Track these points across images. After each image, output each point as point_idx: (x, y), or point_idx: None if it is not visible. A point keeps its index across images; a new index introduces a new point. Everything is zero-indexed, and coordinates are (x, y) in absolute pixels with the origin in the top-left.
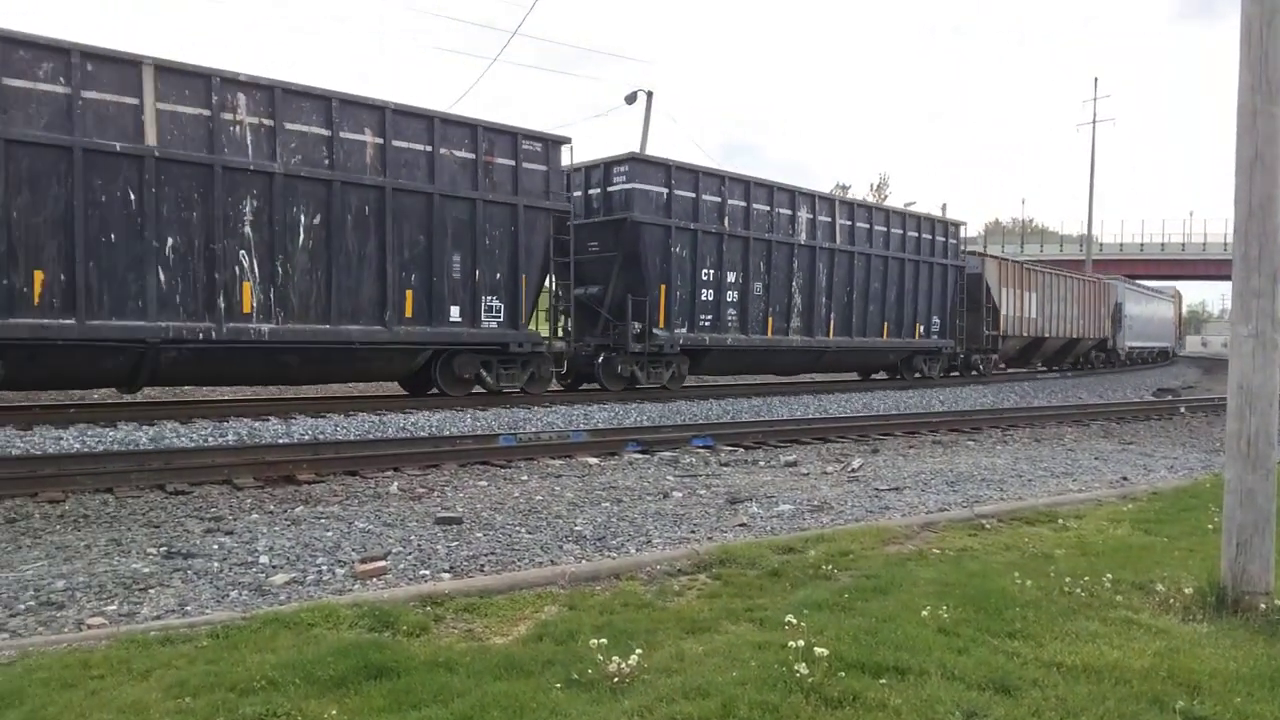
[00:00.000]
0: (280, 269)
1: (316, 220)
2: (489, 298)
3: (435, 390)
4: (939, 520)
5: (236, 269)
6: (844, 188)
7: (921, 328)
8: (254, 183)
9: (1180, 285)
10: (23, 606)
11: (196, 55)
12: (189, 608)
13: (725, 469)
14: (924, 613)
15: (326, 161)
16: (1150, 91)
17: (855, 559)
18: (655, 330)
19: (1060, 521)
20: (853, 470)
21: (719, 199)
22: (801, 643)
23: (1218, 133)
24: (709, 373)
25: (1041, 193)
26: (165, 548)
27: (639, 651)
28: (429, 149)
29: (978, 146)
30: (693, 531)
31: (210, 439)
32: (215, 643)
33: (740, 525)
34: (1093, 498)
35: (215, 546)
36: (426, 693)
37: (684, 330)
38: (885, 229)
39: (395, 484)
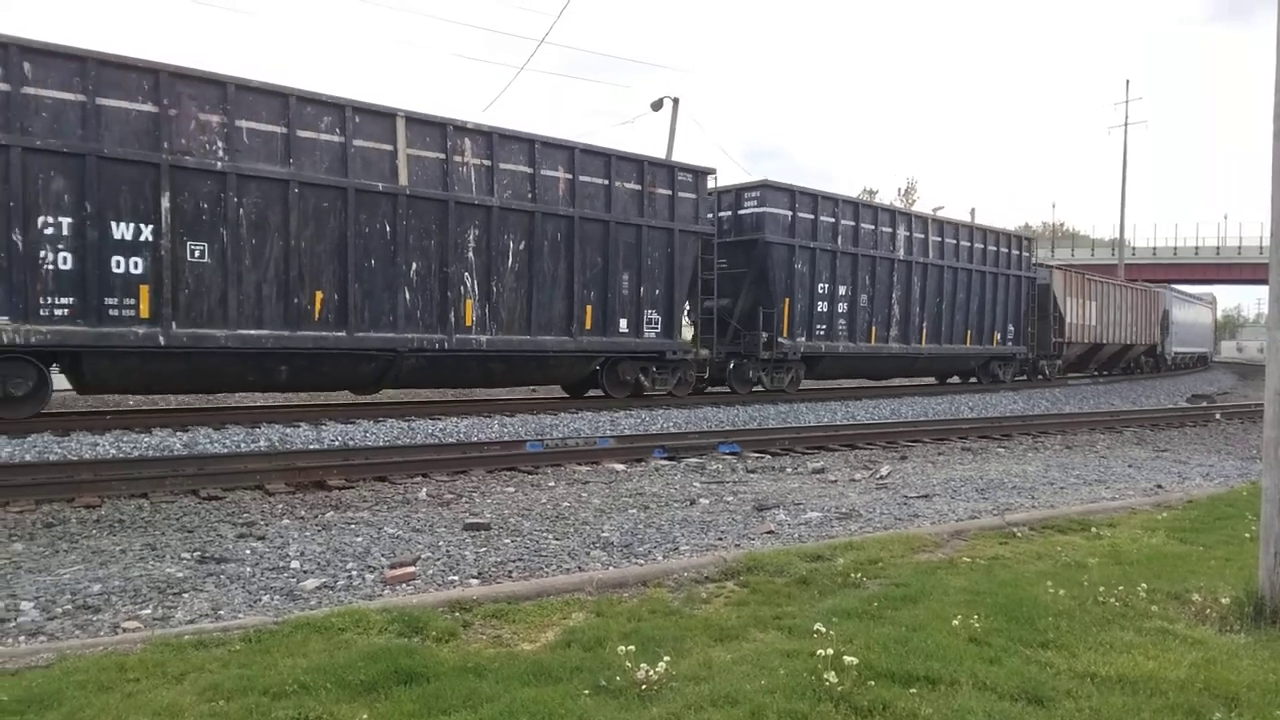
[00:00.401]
0: (494, 288)
1: (521, 246)
2: (649, 311)
3: (599, 393)
4: (969, 528)
5: (462, 288)
6: (871, 192)
7: (999, 335)
8: (476, 215)
9: (1214, 289)
10: (60, 610)
11: (209, 63)
12: (222, 612)
13: (752, 476)
14: (955, 622)
15: (530, 195)
16: (1182, 94)
17: (884, 567)
18: (780, 339)
19: (1093, 530)
20: (881, 477)
21: (833, 219)
22: (830, 651)
23: (1252, 135)
24: (821, 377)
25: (1072, 196)
26: (199, 552)
27: (667, 659)
28: (606, 182)
29: (1007, 150)
30: (720, 538)
31: (242, 445)
32: (248, 647)
33: (768, 532)
34: (1126, 505)
35: (247, 551)
36: (456, 698)
37: (804, 339)
38: (969, 244)
39: (424, 490)
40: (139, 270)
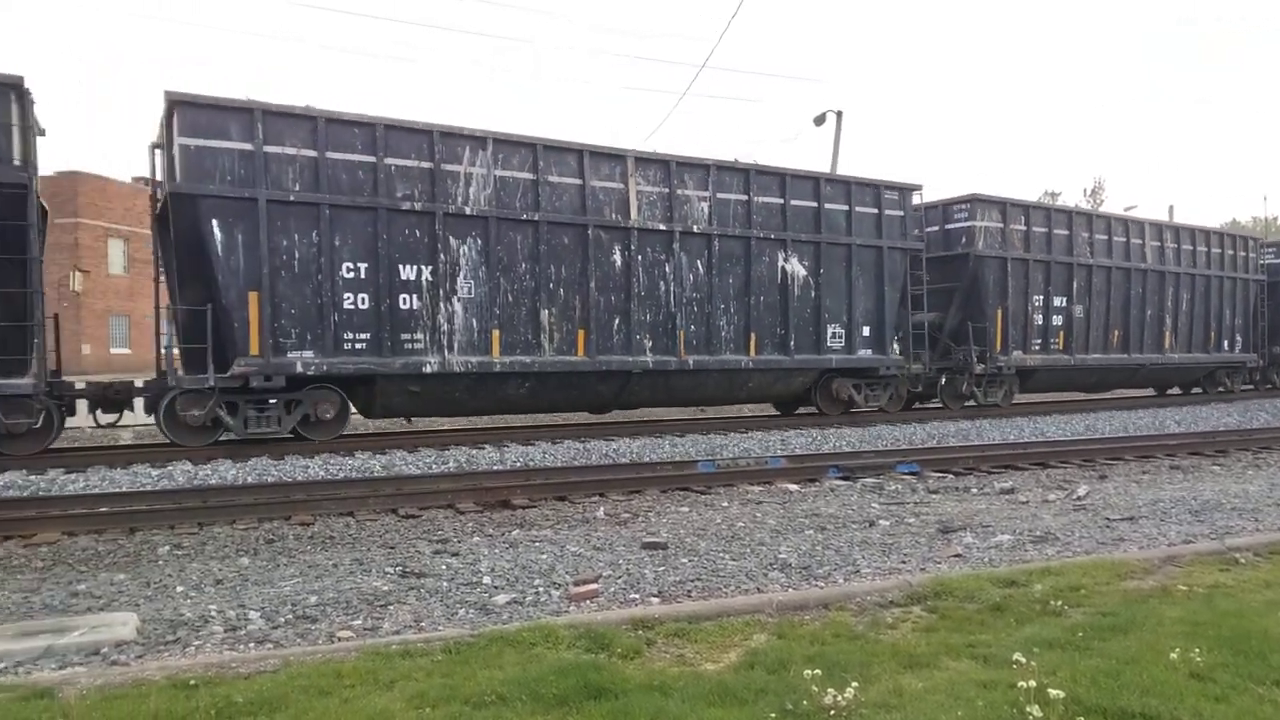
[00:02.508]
0: (715, 311)
1: (739, 270)
2: (863, 327)
3: (813, 410)
4: (1183, 553)
5: (687, 312)
6: (1053, 194)
7: (1225, 342)
8: (698, 243)
9: None
10: (282, 619)
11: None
12: (424, 624)
13: (934, 496)
14: (1172, 655)
15: (746, 221)
16: None
17: (1087, 595)
18: (993, 353)
19: None
20: (1078, 498)
21: (1045, 229)
22: (1033, 683)
23: None
24: (1035, 390)
25: None
26: (400, 567)
27: (855, 685)
28: (815, 204)
29: (1202, 142)
30: (903, 561)
31: (434, 466)
32: (448, 658)
33: (954, 556)
34: None
35: (443, 567)
36: (644, 715)
37: (1019, 352)
38: (1191, 247)
39: (601, 509)
40: (418, 307)
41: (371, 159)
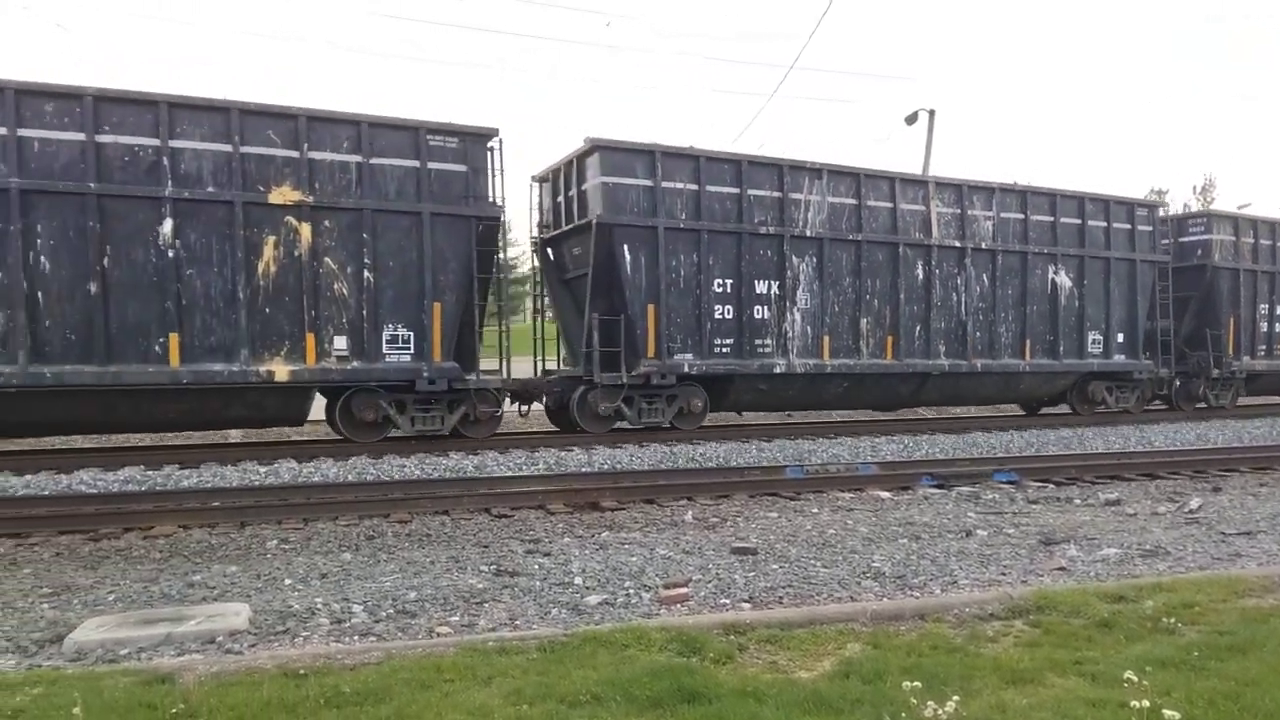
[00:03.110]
0: (995, 319)
1: (1016, 281)
2: (1117, 334)
3: (1066, 410)
4: None
5: (974, 320)
6: (1160, 192)
7: None
8: (984, 258)
9: None
10: (384, 614)
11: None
12: (518, 622)
13: (1034, 506)
14: None
15: (1022, 237)
16: None
17: (1202, 612)
18: (1227, 358)
19: None
20: (1190, 511)
21: (1270, 242)
22: (1146, 703)
23: None
24: (1256, 394)
25: None
26: (494, 566)
27: (956, 698)
28: (1079, 221)
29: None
30: (1003, 573)
31: (524, 468)
32: (543, 656)
33: (1058, 569)
34: None
35: (536, 567)
36: None
37: (1248, 358)
38: None
39: (689, 513)
40: (768, 316)
41: (736, 190)
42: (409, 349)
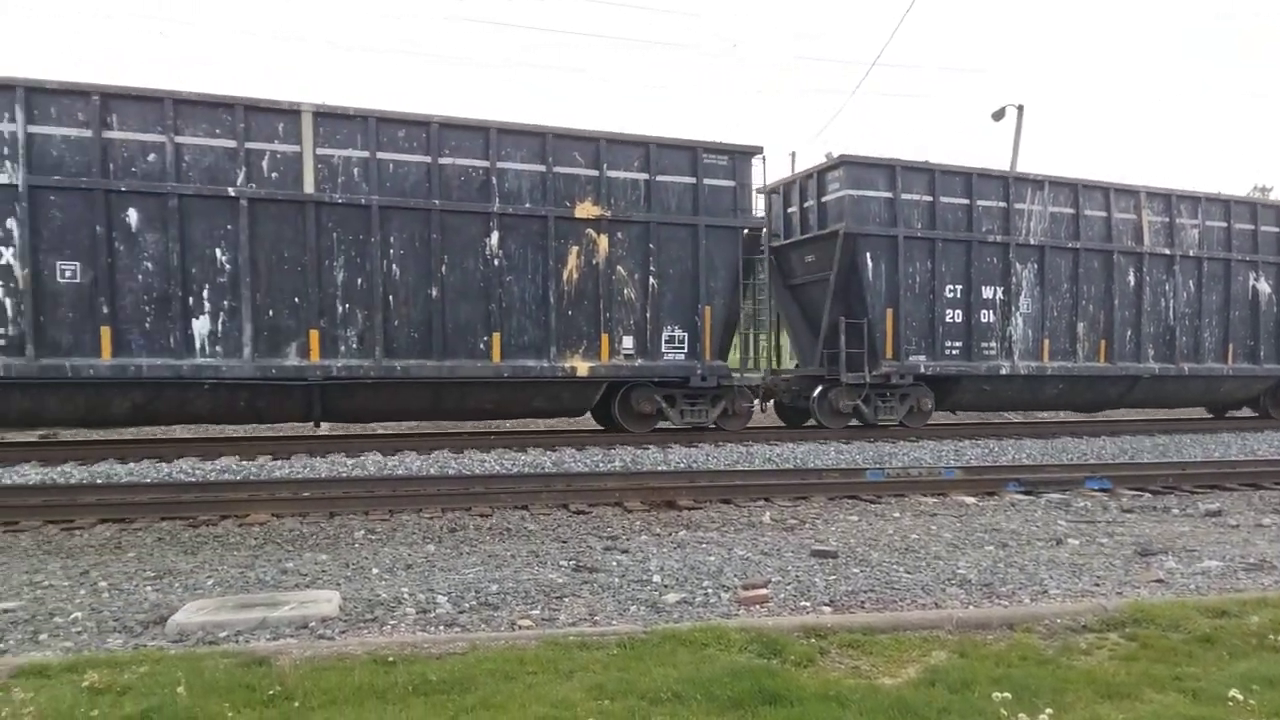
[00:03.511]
0: (1199, 323)
1: (1221, 287)
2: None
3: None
4: None
5: (1177, 328)
6: (1264, 190)
7: None
8: (1191, 266)
9: None
10: (467, 605)
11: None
12: (597, 617)
13: (1129, 516)
14: None
15: (1225, 245)
16: None
17: None
18: None
19: None
20: None
21: None
22: None
23: None
24: None
25: None
26: (573, 561)
27: (1048, 711)
28: (1252, 227)
29: None
30: (1096, 584)
31: (600, 465)
32: (623, 652)
33: (1155, 581)
34: None
35: (614, 564)
36: None
37: None
38: None
39: (767, 514)
40: (993, 320)
41: (966, 201)
42: (683, 348)
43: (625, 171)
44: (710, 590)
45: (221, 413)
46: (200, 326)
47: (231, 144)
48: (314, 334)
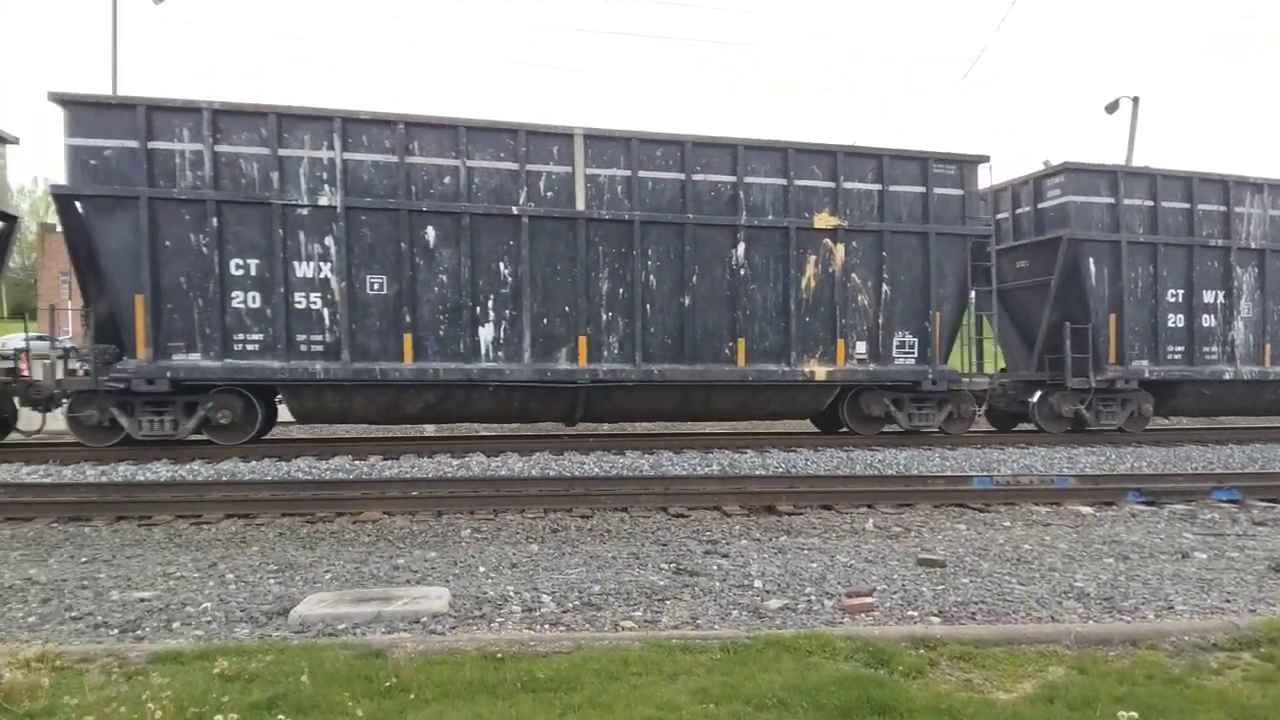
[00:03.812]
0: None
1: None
2: None
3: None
4: None
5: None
6: None
7: None
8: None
9: None
10: (571, 605)
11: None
12: (699, 621)
13: (1261, 529)
14: None
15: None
16: None
17: None
18: None
19: None
20: None
21: None
22: None
23: None
24: None
25: None
26: (674, 565)
27: None
28: None
29: None
30: (1226, 601)
31: (698, 468)
32: (726, 657)
33: None
34: None
35: (714, 567)
36: None
37: None
38: None
39: (870, 521)
40: (1214, 324)
41: (1186, 206)
42: (913, 353)
43: (860, 183)
44: (813, 597)
45: (499, 412)
46: (486, 334)
47: (514, 166)
48: (582, 340)
